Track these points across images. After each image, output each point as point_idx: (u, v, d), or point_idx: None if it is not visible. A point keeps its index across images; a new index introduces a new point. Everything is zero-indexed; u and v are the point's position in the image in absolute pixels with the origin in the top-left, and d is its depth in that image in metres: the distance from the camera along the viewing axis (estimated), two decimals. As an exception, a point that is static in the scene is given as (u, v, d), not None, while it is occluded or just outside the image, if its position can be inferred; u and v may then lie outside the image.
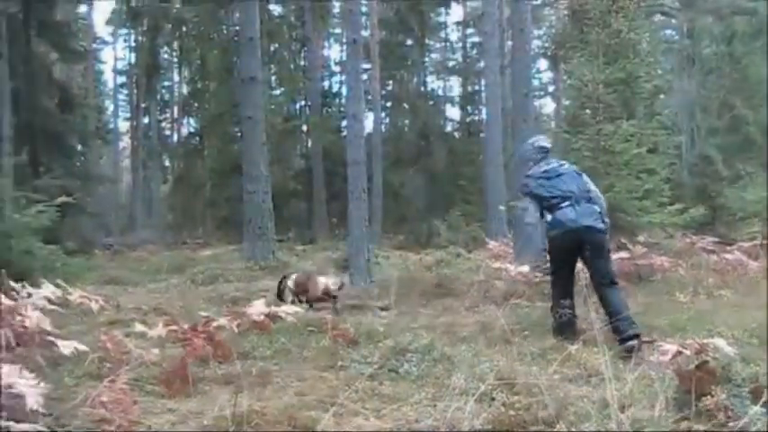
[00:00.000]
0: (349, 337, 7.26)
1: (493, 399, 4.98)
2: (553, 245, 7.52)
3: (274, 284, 13.72)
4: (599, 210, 7.47)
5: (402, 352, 6.33)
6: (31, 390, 4.29)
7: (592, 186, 7.67)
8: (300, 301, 10.26)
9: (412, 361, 6.16)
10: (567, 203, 7.40)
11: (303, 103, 38.95)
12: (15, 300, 5.84)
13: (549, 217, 7.49)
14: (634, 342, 6.59)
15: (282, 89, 38.36)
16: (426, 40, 40.28)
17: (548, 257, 7.84)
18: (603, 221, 7.44)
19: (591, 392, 5.09)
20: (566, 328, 7.30)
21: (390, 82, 40.58)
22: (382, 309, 10.49)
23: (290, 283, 10.78)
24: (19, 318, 5.53)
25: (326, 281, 10.82)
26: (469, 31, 42.31)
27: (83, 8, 38.95)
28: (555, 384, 5.30)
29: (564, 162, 8.00)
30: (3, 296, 5.73)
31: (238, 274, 15.81)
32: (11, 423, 3.87)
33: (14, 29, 22.07)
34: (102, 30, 48.23)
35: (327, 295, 10.54)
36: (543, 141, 8.11)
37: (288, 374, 6.05)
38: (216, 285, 14.35)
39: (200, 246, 28.42)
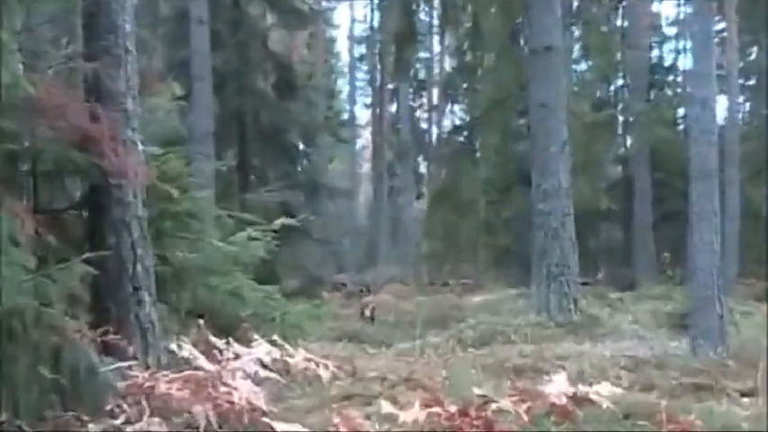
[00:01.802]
0: (693, 435, 7.07)
1: None
2: None
3: (577, 348, 13.73)
4: None
5: (779, 464, 6.14)
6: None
7: None
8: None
9: (795, 482, 5.95)
10: None
11: (621, 82, 38.69)
12: (219, 363, 6.08)
13: None
14: None
15: (591, 63, 38.21)
16: (810, -13, 38.91)
17: None
18: None
19: None
20: None
21: (753, 49, 39.39)
22: (743, 394, 10.26)
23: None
24: (223, 389, 5.76)
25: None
26: None
27: (308, -46, 40.76)
28: None
29: None
30: (202, 359, 5.97)
31: (525, 331, 15.91)
32: None
33: (218, -15, 23.35)
34: (335, -19, 50.12)
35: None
36: None
37: (604, 489, 5.97)
38: (492, 347, 14.50)
39: (469, 288, 28.83)
